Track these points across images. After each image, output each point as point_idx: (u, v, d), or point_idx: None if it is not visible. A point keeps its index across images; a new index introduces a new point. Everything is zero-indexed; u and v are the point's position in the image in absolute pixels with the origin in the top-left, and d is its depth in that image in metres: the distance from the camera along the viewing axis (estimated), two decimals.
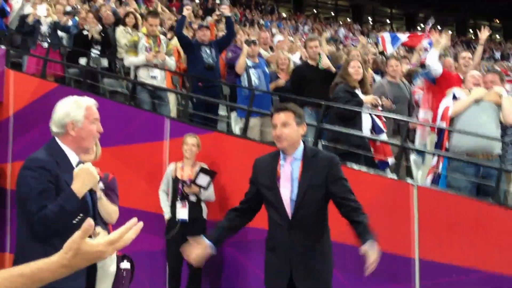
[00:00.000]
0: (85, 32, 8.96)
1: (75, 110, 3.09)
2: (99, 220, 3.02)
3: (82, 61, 8.85)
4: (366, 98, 6.32)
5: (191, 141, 6.18)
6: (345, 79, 6.44)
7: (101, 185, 4.10)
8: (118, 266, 4.08)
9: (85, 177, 2.92)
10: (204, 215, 6.20)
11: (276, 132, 3.66)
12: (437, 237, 5.11)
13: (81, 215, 2.90)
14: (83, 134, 3.10)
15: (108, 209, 4.16)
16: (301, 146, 3.73)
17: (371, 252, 3.34)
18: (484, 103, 5.65)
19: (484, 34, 7.93)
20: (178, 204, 6.11)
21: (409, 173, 6.23)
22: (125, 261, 4.21)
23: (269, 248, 3.77)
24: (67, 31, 9.27)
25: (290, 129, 3.65)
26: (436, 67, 6.59)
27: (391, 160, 6.19)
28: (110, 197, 4.27)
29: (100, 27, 9.04)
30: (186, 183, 6.08)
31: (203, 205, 6.21)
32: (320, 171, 3.63)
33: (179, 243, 5.89)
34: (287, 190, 3.64)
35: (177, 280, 6.36)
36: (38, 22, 9.11)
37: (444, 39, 7.09)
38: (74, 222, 2.88)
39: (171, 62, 7.91)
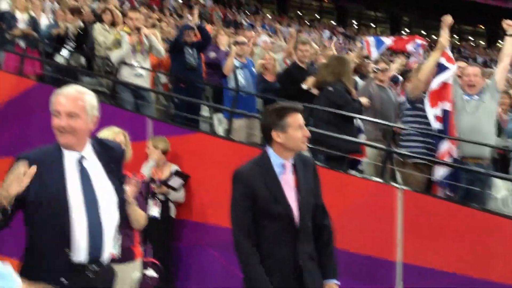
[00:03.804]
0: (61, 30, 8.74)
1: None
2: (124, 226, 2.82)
3: (59, 58, 8.64)
4: (362, 101, 6.31)
5: (151, 144, 6.17)
6: (342, 80, 6.28)
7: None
8: (143, 273, 3.91)
9: None
10: (172, 214, 6.24)
11: (306, 133, 3.39)
12: (420, 241, 5.09)
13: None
14: (53, 128, 2.87)
15: (136, 214, 3.82)
16: None
17: None
18: (484, 108, 5.63)
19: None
20: (150, 201, 6.09)
21: (394, 177, 6.22)
22: (150, 269, 4.04)
23: (269, 269, 3.26)
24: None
25: None
26: None
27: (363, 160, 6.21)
28: (138, 201, 3.85)
29: (79, 23, 8.85)
30: (156, 182, 6.10)
31: (171, 204, 6.24)
32: (310, 175, 3.44)
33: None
34: (292, 200, 3.34)
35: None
36: (13, 18, 8.81)
37: None
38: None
39: (159, 46, 7.67)
